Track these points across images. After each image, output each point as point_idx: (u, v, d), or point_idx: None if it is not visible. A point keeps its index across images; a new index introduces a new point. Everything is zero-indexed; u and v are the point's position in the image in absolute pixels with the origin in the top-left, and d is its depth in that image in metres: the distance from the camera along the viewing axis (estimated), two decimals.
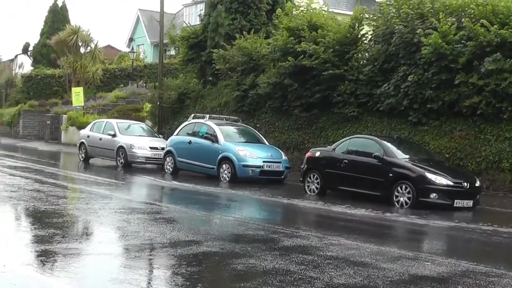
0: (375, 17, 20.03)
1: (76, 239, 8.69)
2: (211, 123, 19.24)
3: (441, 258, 8.33)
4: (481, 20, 16.54)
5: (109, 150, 22.13)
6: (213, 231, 9.82)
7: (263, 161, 17.75)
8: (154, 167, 21.67)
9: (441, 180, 13.55)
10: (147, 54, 54.31)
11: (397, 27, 18.28)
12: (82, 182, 17.26)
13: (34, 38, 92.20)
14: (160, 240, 8.45)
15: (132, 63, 46.25)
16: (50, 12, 52.16)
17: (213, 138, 18.55)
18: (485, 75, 16.25)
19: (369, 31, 20.41)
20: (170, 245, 8.13)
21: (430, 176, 13.57)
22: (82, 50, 41.26)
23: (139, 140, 21.82)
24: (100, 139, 22.75)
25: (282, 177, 18.19)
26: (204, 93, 26.78)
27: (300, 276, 6.78)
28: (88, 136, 23.54)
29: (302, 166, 16.67)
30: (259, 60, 23.26)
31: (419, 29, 17.56)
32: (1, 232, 8.92)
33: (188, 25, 32.61)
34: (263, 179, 17.79)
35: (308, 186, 16.00)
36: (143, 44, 55.95)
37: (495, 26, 16.25)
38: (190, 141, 19.35)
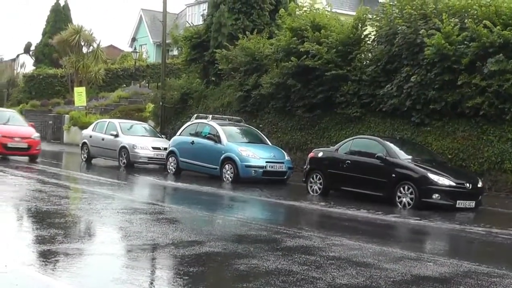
0: (378, 18, 20.04)
1: (78, 239, 8.68)
2: (214, 124, 19.24)
3: (443, 259, 8.33)
4: (484, 21, 16.53)
5: (112, 150, 22.14)
6: (216, 231, 9.83)
7: (266, 162, 17.74)
8: (157, 167, 21.67)
9: (443, 180, 13.54)
10: (150, 54, 54.36)
11: (400, 28, 18.27)
12: (85, 182, 17.28)
13: (36, 38, 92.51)
14: (162, 240, 8.45)
15: (135, 63, 46.29)
16: (52, 12, 52.28)
17: (216, 139, 18.55)
18: (488, 76, 16.24)
19: (372, 31, 20.42)
20: (173, 246, 8.13)
21: (432, 176, 13.57)
22: (84, 49, 41.25)
23: (142, 140, 21.82)
24: (103, 139, 22.76)
25: (285, 177, 18.19)
26: (207, 93, 26.79)
27: (302, 277, 6.79)
28: (90, 136, 23.53)
29: (305, 167, 16.67)
30: (262, 60, 23.27)
31: (422, 30, 17.55)
32: (3, 232, 8.92)
33: (191, 25, 32.58)
34: (266, 180, 17.78)
35: (311, 187, 16.00)
36: (145, 44, 56.00)
37: (498, 27, 16.25)
38: (193, 141, 19.36)
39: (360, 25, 20.40)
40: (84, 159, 23.57)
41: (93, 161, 23.47)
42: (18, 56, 60.31)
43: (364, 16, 20.42)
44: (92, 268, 7.00)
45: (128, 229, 9.33)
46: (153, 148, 21.40)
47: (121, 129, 22.45)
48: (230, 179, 17.70)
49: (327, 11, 23.01)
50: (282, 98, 21.97)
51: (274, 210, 13.82)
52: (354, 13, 22.14)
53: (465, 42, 16.83)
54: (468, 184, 13.79)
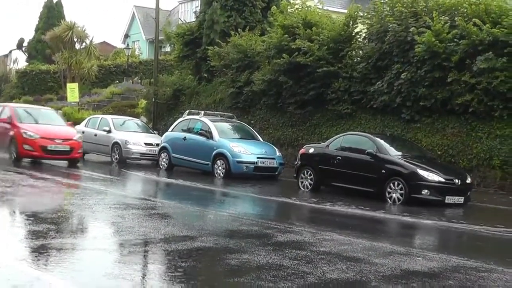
0: (369, 15, 20.13)
1: (71, 234, 8.70)
2: (206, 120, 19.31)
3: (432, 254, 8.41)
4: (474, 19, 16.66)
5: (104, 146, 22.17)
6: (207, 226, 9.90)
7: (257, 157, 17.84)
8: (149, 163, 21.71)
9: (433, 176, 13.67)
10: (143, 51, 54.19)
11: (391, 26, 18.39)
12: (77, 177, 17.30)
13: (29, 34, 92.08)
14: (154, 235, 8.50)
15: (128, 59, 46.15)
16: (45, 8, 52.08)
17: (208, 135, 18.63)
18: (477, 74, 16.36)
19: (363, 29, 20.51)
20: (165, 241, 8.18)
21: (422, 172, 13.69)
22: (77, 46, 41.07)
23: (134, 136, 21.88)
24: (95, 135, 22.80)
25: (276, 173, 18.29)
26: (199, 90, 26.84)
27: (293, 271, 6.84)
28: (83, 132, 23.45)
29: (296, 163, 16.77)
30: (254, 57, 23.33)
31: (413, 28, 17.67)
32: None
33: (184, 22, 32.58)
34: (257, 175, 17.88)
35: (302, 182, 16.10)
36: (138, 41, 55.82)
37: (488, 25, 16.37)
38: (185, 137, 19.42)
39: (351, 22, 20.49)
40: None
41: (86, 156, 23.36)
42: (10, 52, 59.99)
43: (355, 13, 20.51)
44: (85, 263, 7.01)
45: (120, 224, 9.36)
46: (146, 144, 21.46)
47: (114, 125, 22.49)
48: (221, 175, 17.79)
49: (319, 8, 23.11)
50: (274, 94, 22.05)
51: (265, 206, 13.90)
52: (345, 11, 22.23)
53: (455, 40, 16.95)
54: (457, 180, 13.92)
